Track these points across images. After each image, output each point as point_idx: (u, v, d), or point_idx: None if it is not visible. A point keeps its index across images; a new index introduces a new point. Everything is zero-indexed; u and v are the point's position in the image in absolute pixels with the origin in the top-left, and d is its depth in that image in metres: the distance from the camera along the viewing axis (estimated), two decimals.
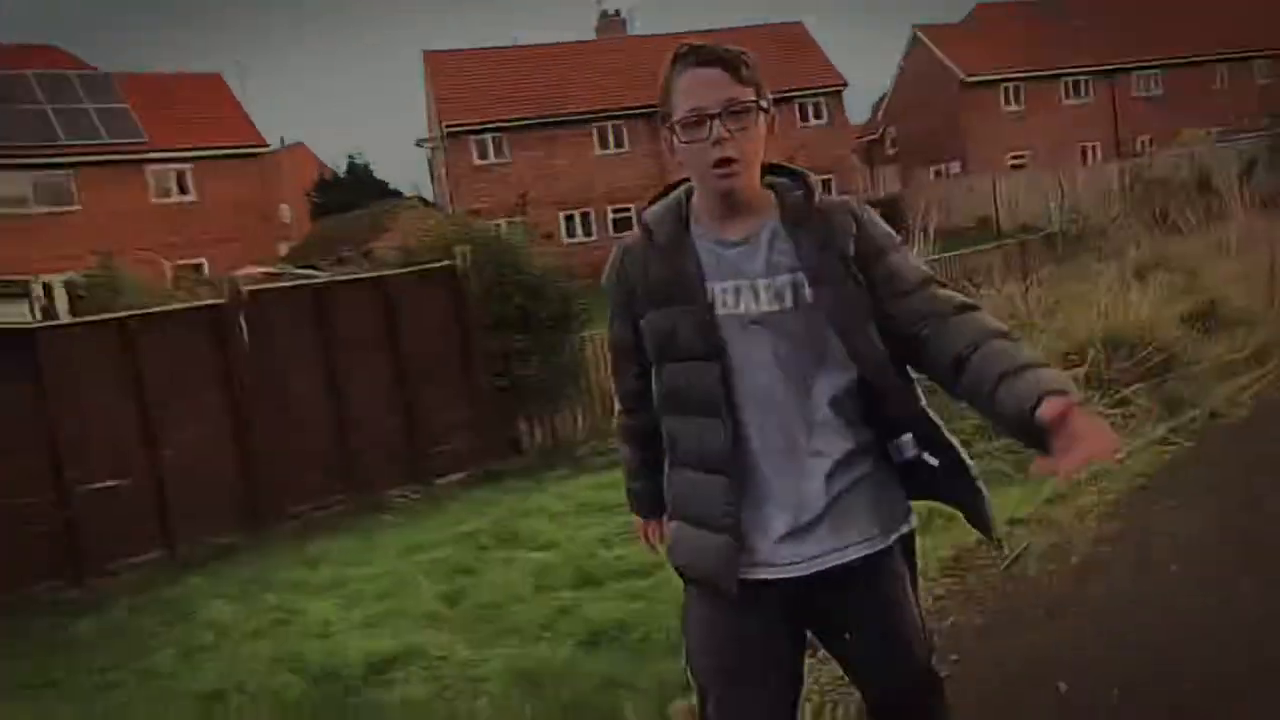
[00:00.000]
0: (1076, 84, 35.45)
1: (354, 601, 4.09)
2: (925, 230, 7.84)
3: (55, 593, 5.95)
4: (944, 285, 1.76)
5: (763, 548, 1.69)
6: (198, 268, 23.67)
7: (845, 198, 1.85)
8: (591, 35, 34.30)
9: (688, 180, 1.82)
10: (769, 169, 1.81)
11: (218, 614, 4.49)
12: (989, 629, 3.14)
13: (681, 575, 1.79)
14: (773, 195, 1.78)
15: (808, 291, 1.69)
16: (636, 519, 2.04)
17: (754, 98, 1.71)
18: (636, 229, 1.85)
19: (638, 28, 34.66)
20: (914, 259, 1.81)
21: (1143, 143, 33.88)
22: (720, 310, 1.71)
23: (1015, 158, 34.22)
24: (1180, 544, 3.54)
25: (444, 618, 3.69)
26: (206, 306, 7.44)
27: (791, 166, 1.83)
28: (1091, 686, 2.60)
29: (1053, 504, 4.09)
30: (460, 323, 8.45)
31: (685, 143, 1.71)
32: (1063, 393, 1.47)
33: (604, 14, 34.51)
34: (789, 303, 1.69)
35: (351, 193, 41.73)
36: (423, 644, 3.38)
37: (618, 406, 1.99)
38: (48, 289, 17.68)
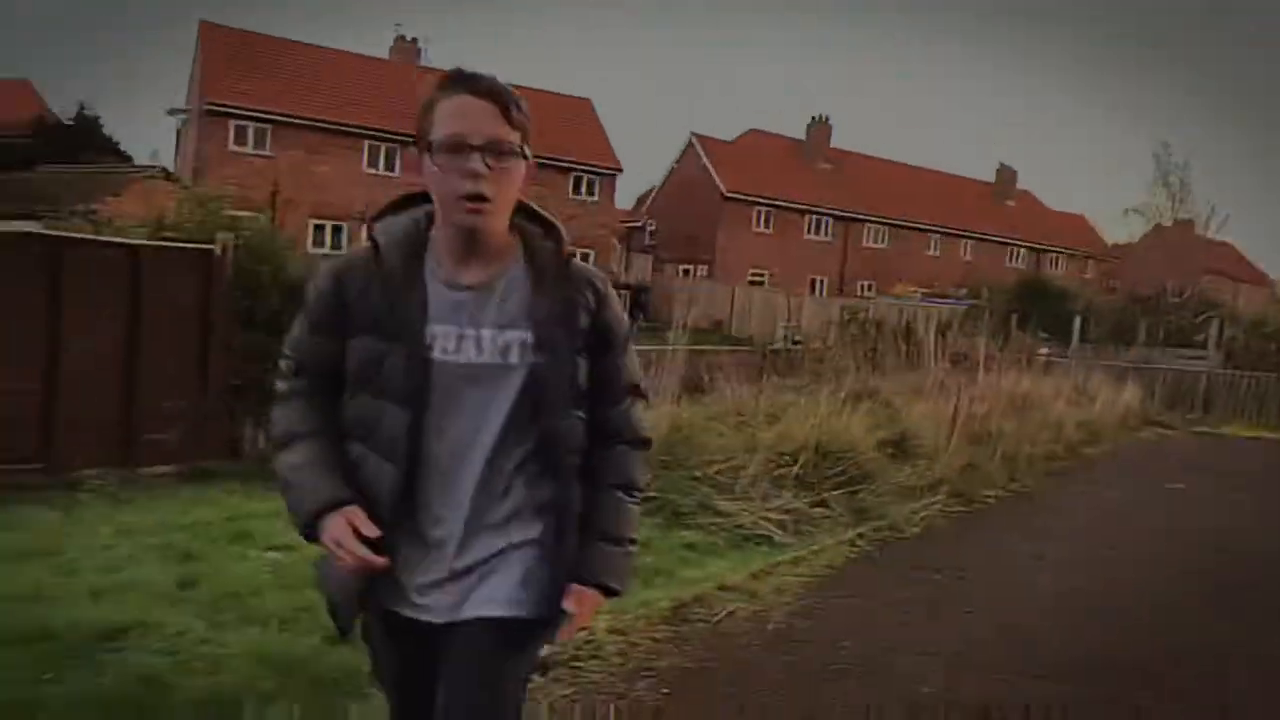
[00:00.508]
0: (820, 222, 39.35)
1: (72, 572, 3.84)
2: (684, 323, 8.51)
3: None
4: (643, 396, 1.83)
5: (405, 589, 1.68)
6: None
7: (593, 270, 1.80)
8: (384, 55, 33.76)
9: (427, 200, 1.72)
10: (519, 209, 1.73)
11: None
12: (697, 671, 3.58)
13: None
14: (518, 241, 1.72)
15: (530, 353, 1.64)
16: (331, 534, 1.60)
17: (519, 142, 1.65)
18: (364, 243, 1.73)
19: (430, 59, 34.51)
20: (631, 361, 1.81)
21: (862, 285, 38.12)
22: (437, 355, 1.63)
23: (755, 274, 37.25)
24: (849, 626, 4.21)
25: (179, 599, 3.56)
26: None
27: (543, 213, 1.77)
28: None
29: (757, 578, 4.68)
30: (205, 311, 8.07)
31: (440, 168, 1.62)
32: (604, 574, 1.70)
33: (400, 37, 34.15)
34: (513, 359, 1.65)
35: (73, 143, 37.91)
36: (160, 619, 3.27)
37: (284, 379, 1.79)
38: None
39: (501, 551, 1.67)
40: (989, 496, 7.58)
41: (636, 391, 1.81)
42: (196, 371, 8.03)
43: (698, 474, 6.25)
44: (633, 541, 1.79)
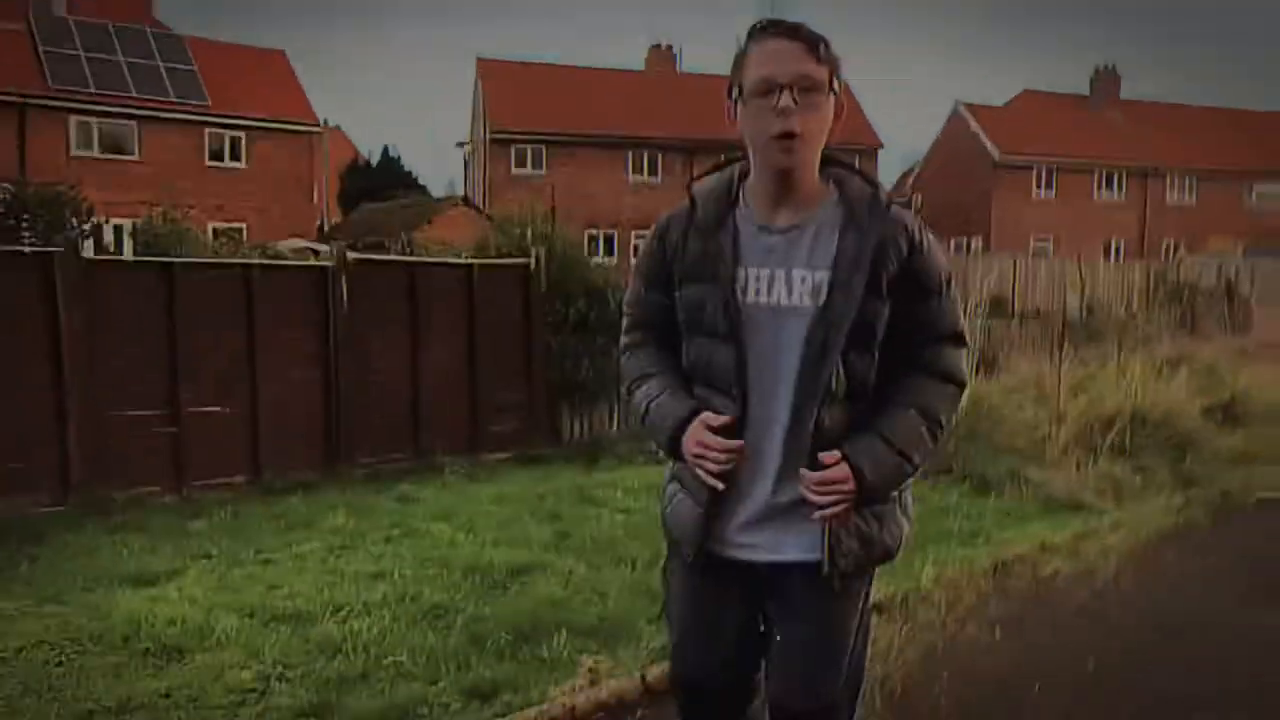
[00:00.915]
0: (1110, 179, 36.30)
1: (471, 528, 4.67)
2: (977, 301, 8.41)
3: (155, 497, 6.57)
4: (963, 344, 1.83)
5: (726, 529, 1.78)
6: (237, 231, 24.41)
7: (908, 214, 1.78)
8: (640, 65, 35.15)
9: (743, 158, 1.79)
10: (830, 162, 1.78)
11: (340, 522, 5.09)
12: (1021, 620, 3.74)
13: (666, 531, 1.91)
14: (831, 188, 1.76)
15: (836, 294, 1.68)
16: (692, 438, 1.74)
17: (827, 78, 1.68)
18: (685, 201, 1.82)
19: (685, 65, 35.52)
20: (951, 307, 1.81)
21: (1168, 246, 34.73)
22: (749, 298, 1.71)
23: (1039, 240, 34.99)
24: (1179, 583, 4.16)
25: (560, 547, 4.27)
26: (317, 267, 8.08)
27: (853, 165, 1.81)
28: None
29: (1083, 539, 4.69)
30: (527, 316, 9.08)
31: (752, 112, 1.67)
32: (866, 460, 1.67)
33: (655, 46, 35.36)
34: (822, 299, 1.69)
35: (379, 181, 42.60)
36: (550, 560, 3.99)
37: (627, 334, 1.96)
38: (118, 231, 18.34)
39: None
40: None
41: (955, 339, 1.80)
42: (524, 370, 9.05)
43: (1003, 446, 6.26)
44: (910, 460, 1.73)
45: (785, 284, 1.70)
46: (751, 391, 1.72)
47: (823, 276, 1.68)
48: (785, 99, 1.63)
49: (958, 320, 1.83)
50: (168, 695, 2.97)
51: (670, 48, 34.90)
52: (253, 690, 3.00)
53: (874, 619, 3.20)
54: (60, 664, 3.21)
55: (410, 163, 54.57)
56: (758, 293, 1.71)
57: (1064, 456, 6.05)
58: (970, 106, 37.19)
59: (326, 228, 29.79)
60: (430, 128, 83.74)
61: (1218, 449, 6.54)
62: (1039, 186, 35.84)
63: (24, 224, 16.67)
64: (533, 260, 9.05)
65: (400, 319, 8.29)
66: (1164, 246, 34.71)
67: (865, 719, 2.83)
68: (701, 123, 31.27)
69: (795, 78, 1.63)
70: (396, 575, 3.90)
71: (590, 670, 3.03)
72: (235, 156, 26.79)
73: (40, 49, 24.32)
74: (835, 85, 1.69)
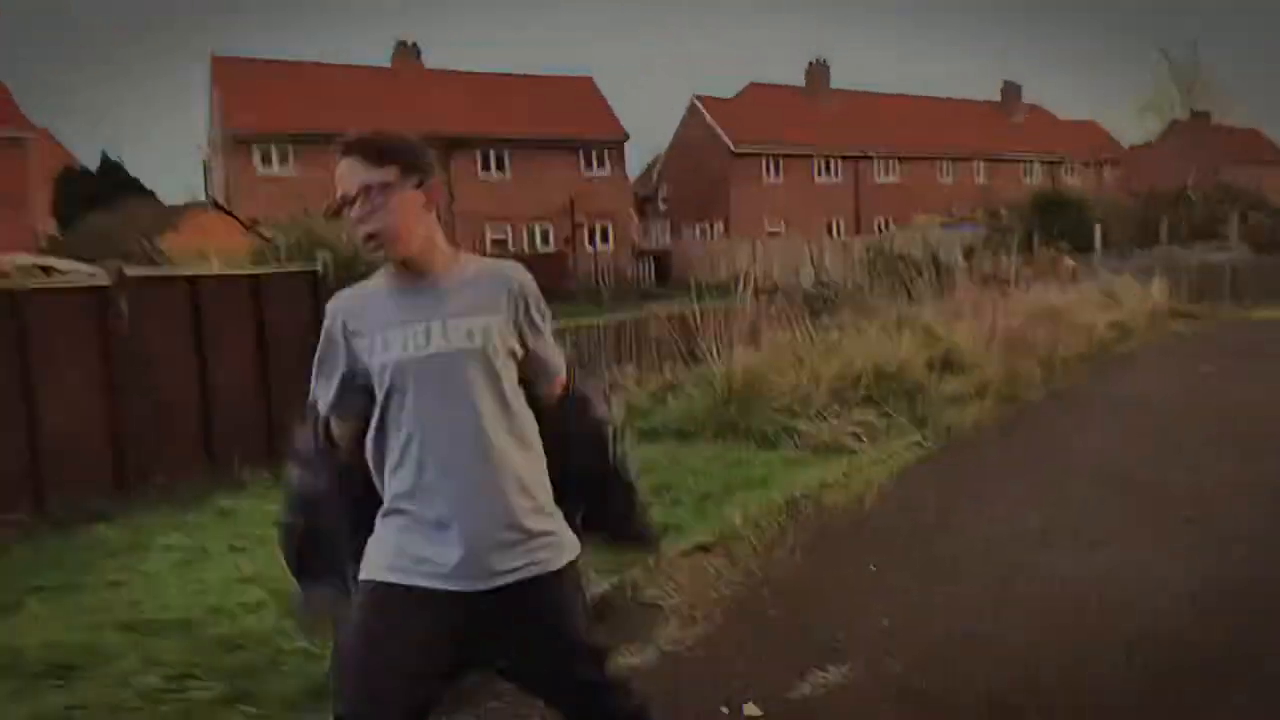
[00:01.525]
0: (828, 164, 39.92)
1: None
2: (746, 282, 9.43)
3: None
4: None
5: None
6: None
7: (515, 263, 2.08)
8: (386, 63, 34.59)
9: None
10: None
11: (174, 540, 5.15)
12: (812, 542, 4.59)
13: None
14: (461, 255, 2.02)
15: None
16: None
17: (391, 178, 1.88)
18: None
19: (430, 60, 35.33)
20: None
21: (879, 223, 38.70)
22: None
23: (772, 225, 37.96)
24: (928, 501, 5.20)
25: None
26: (92, 287, 7.74)
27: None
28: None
29: (850, 475, 5.67)
30: (318, 324, 9.13)
31: (345, 220, 1.91)
32: None
33: (400, 44, 34.90)
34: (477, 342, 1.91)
35: (100, 187, 39.15)
36: None
37: None
38: None
39: None
40: (1028, 397, 8.50)
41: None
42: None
43: (775, 406, 7.22)
44: None
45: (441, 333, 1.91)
46: None
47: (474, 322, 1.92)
48: (355, 212, 1.88)
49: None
50: (82, 707, 3.12)
51: (415, 45, 34.55)
52: (167, 690, 3.21)
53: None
54: None
55: (135, 169, 50.34)
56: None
57: (825, 409, 7.09)
58: (705, 100, 39.54)
59: (44, 241, 27.14)
60: (151, 129, 77.03)
61: (940, 392, 7.87)
62: (769, 174, 38.80)
63: None
64: (320, 265, 9.10)
65: (186, 335, 8.12)
66: (875, 223, 38.79)
67: (711, 634, 3.52)
68: (454, 119, 31.33)
69: (358, 188, 1.87)
70: (267, 577, 4.11)
71: None
72: None
73: None
74: (412, 177, 1.92)
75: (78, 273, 13.52)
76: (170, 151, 75.59)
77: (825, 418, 7.00)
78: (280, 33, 73.83)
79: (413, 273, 1.94)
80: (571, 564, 1.98)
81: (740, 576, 4.16)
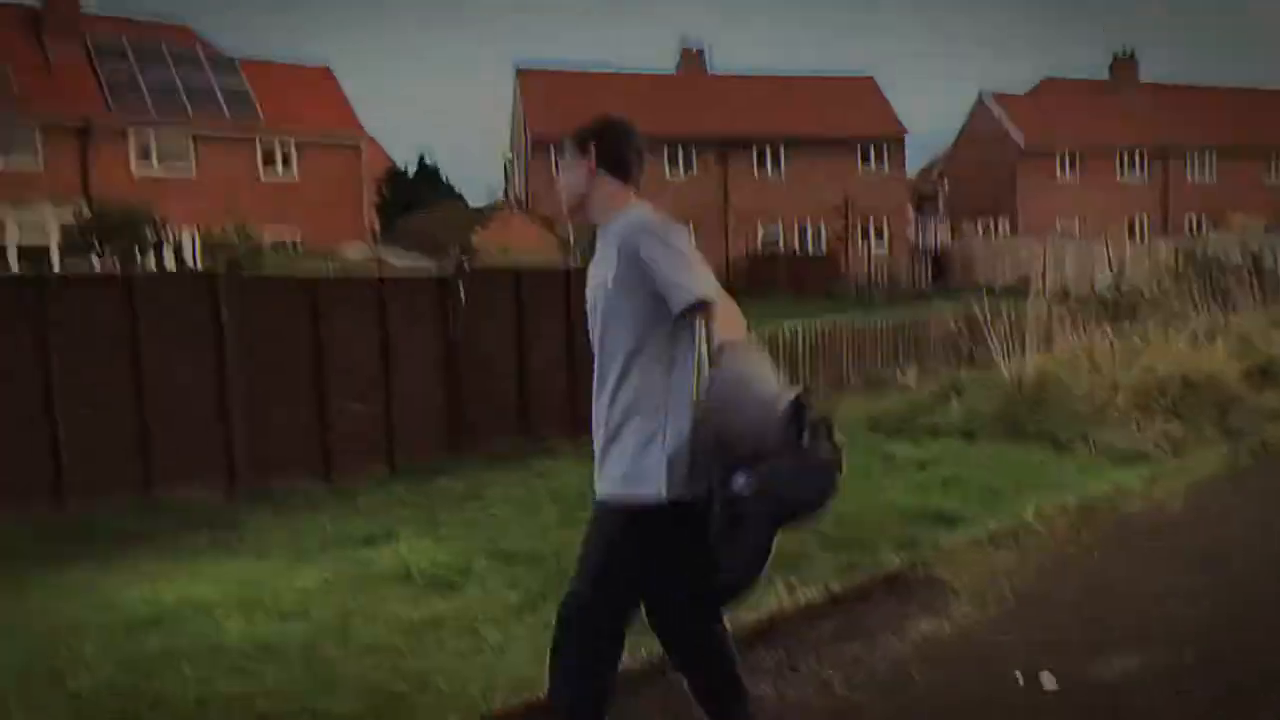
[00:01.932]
0: (1132, 160, 36.82)
1: None
2: (1041, 287, 9.19)
3: (303, 484, 7.49)
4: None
5: None
6: (292, 243, 25.46)
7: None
8: (672, 68, 35.96)
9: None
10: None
11: (510, 494, 6.07)
12: (1109, 541, 4.58)
13: None
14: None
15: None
16: None
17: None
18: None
19: (714, 65, 36.32)
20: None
21: (1191, 221, 35.22)
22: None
23: (1064, 224, 35.57)
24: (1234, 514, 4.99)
25: None
26: (436, 278, 9.03)
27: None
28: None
29: (1151, 483, 5.53)
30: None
31: None
32: None
33: (685, 51, 36.14)
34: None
35: (417, 190, 43.53)
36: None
37: None
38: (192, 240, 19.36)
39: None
40: None
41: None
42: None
43: (1069, 410, 7.08)
44: None
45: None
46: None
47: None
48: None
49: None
50: (466, 615, 3.84)
51: (700, 51, 35.69)
52: (525, 605, 3.88)
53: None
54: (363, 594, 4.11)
55: (445, 171, 55.70)
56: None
57: (1123, 418, 6.87)
58: (995, 96, 37.79)
59: (374, 235, 30.90)
60: (457, 136, 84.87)
61: (1256, 405, 7.34)
62: (1062, 171, 36.41)
63: (103, 242, 17.76)
64: None
65: (510, 319, 9.21)
66: (1186, 223, 35.30)
67: (1003, 615, 3.70)
68: (734, 120, 32.15)
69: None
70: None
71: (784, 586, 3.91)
72: (287, 169, 27.89)
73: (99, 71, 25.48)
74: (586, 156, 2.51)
75: (402, 264, 15.41)
76: (471, 155, 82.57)
77: (1124, 425, 6.79)
78: (573, 31, 78.00)
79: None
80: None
81: (1032, 568, 4.28)
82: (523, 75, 32.44)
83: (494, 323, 9.13)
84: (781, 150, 32.75)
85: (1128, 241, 30.53)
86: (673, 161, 31.73)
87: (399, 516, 5.83)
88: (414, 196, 39.76)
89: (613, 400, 2.35)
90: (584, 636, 2.39)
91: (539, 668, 3.10)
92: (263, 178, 27.51)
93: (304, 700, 3.03)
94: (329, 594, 4.07)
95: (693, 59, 35.62)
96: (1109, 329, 11.54)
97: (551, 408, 9.47)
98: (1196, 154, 37.01)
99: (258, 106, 27.40)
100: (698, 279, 2.25)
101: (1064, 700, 3.05)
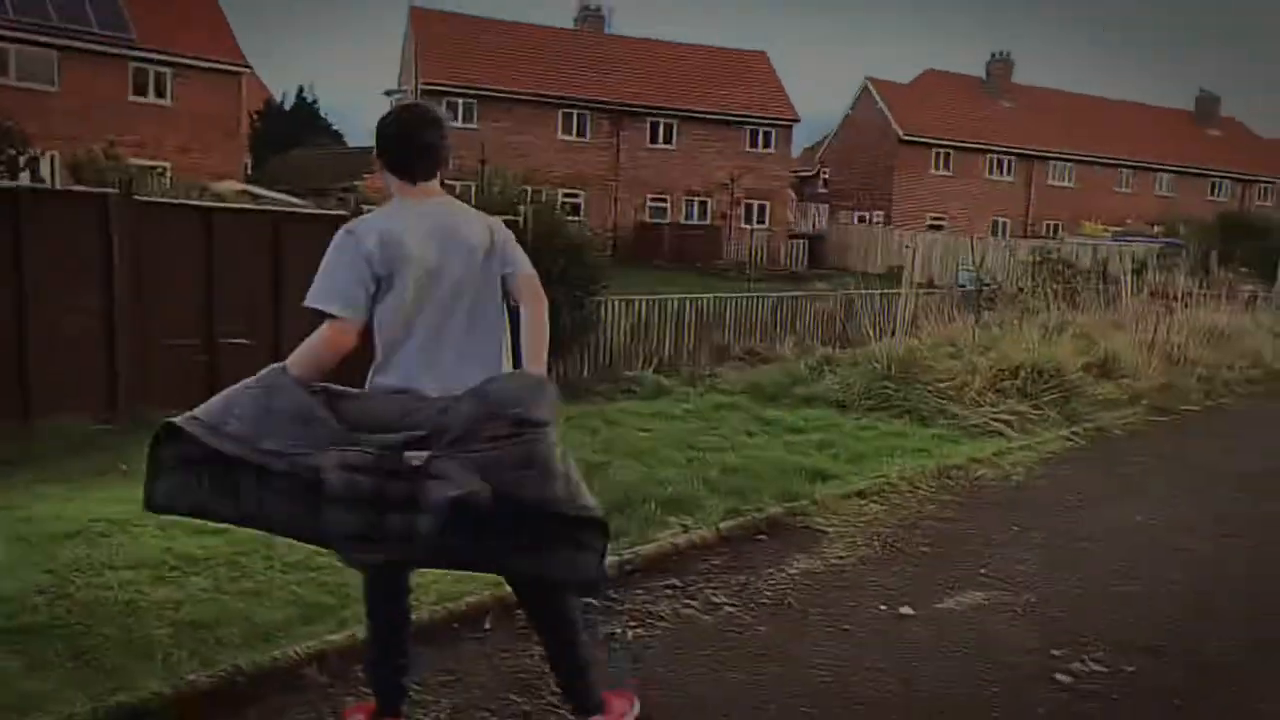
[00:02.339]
0: (1001, 161, 38.90)
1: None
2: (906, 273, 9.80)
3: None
4: None
5: None
6: (159, 170, 24.23)
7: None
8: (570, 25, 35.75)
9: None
10: None
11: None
12: (961, 503, 5.14)
13: None
14: None
15: None
16: None
17: None
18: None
19: (614, 27, 36.32)
20: None
21: (1049, 225, 37.58)
22: None
23: (934, 218, 37.36)
24: (1072, 485, 5.66)
25: (608, 451, 5.57)
26: (335, 215, 8.95)
27: None
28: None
29: (998, 456, 6.17)
30: None
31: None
32: None
33: (585, 8, 35.99)
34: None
35: (294, 125, 41.92)
36: (611, 459, 5.27)
37: None
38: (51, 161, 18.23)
39: None
40: (1185, 409, 8.66)
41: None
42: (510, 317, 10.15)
43: (931, 388, 7.72)
44: None
45: None
46: None
47: None
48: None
49: None
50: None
51: (599, 9, 35.57)
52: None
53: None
54: None
55: (326, 108, 53.63)
56: None
57: (979, 397, 7.55)
58: (878, 83, 39.10)
59: (248, 171, 29.70)
60: (338, 71, 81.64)
61: (1094, 395, 8.16)
62: (937, 165, 38.14)
63: None
64: (520, 219, 10.09)
65: None
66: (1045, 226, 37.65)
67: (869, 557, 4.17)
68: (630, 86, 32.29)
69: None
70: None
71: (680, 526, 4.27)
72: (160, 94, 26.45)
73: None
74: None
75: (275, 201, 14.99)
76: (354, 94, 79.67)
77: (980, 404, 7.47)
78: None
79: None
80: None
81: (895, 519, 4.78)
82: (417, 15, 31.63)
83: None
84: (675, 123, 33.09)
85: (991, 239, 32.44)
86: (567, 123, 31.68)
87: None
88: (289, 133, 38.36)
89: None
90: None
91: (465, 582, 3.36)
92: (131, 99, 26.01)
93: (233, 608, 3.19)
94: None
95: (592, 16, 35.48)
96: (970, 319, 12.41)
97: None
98: (1058, 159, 39.37)
99: (129, 20, 25.81)
100: (315, 287, 2.48)
101: (921, 624, 3.51)
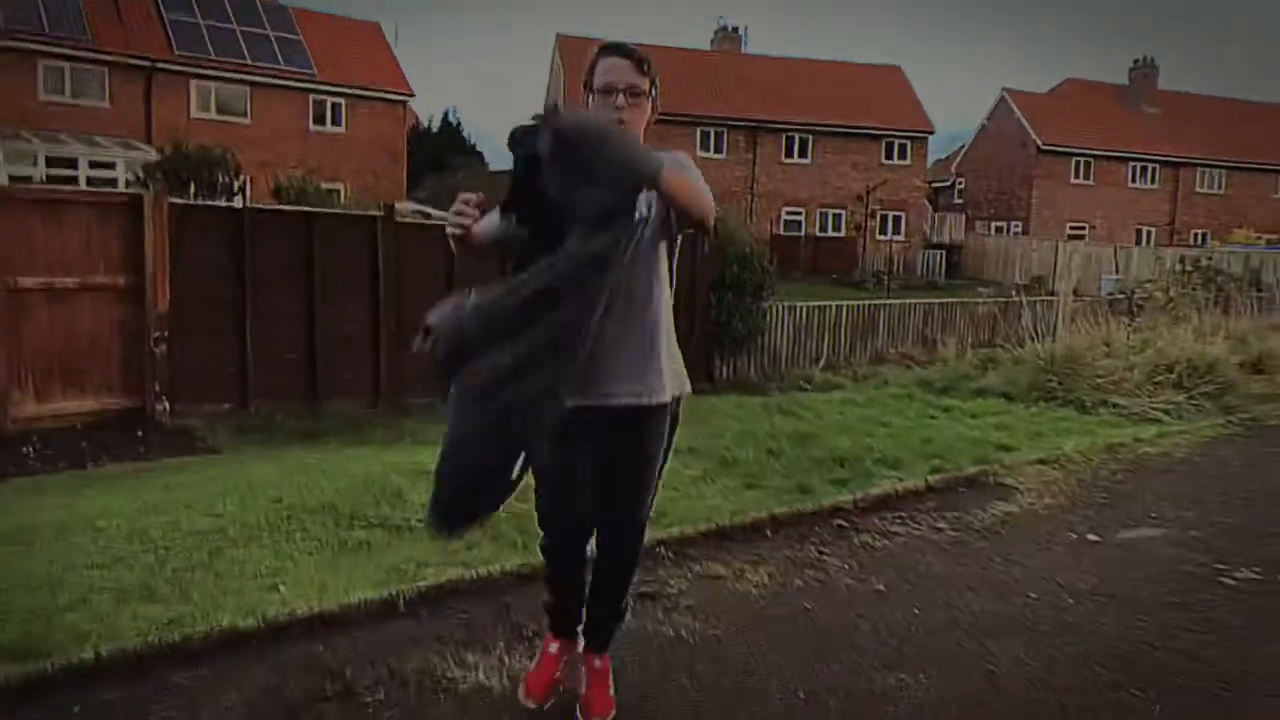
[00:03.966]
0: (1144, 169, 38.11)
1: (742, 419, 6.99)
2: (1066, 287, 10.49)
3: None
4: None
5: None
6: (334, 192, 26.58)
7: None
8: (707, 46, 37.03)
9: None
10: None
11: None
12: (1130, 472, 5.96)
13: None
14: None
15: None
16: None
17: (646, 87, 2.39)
18: None
19: (749, 47, 37.42)
20: None
21: (1196, 234, 36.60)
22: None
23: (1074, 227, 36.89)
24: (1226, 469, 6.39)
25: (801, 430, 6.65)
26: None
27: None
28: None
29: (1161, 437, 6.93)
30: (691, 277, 11.30)
31: (598, 106, 2.35)
32: None
33: (721, 29, 37.23)
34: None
35: (440, 148, 44.47)
36: (821, 431, 6.32)
37: None
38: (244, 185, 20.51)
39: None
40: None
41: None
42: (686, 318, 11.28)
43: (1090, 382, 8.47)
44: None
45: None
46: None
47: None
48: (621, 100, 2.36)
49: None
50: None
51: (736, 30, 36.74)
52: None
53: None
54: None
55: (468, 132, 56.53)
56: None
57: (1137, 390, 8.26)
58: (1015, 94, 38.92)
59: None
60: (481, 97, 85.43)
61: (1248, 389, 8.74)
62: (1076, 174, 37.67)
63: (187, 179, 18.93)
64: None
65: None
66: (1191, 235, 36.69)
67: (1055, 505, 5.08)
68: (765, 104, 33.32)
69: (627, 85, 2.37)
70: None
71: (892, 480, 5.29)
72: (336, 122, 28.99)
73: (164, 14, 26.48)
74: (653, 91, 2.45)
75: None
76: (494, 118, 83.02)
77: (1138, 395, 8.19)
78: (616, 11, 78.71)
79: None
80: None
81: (1074, 481, 5.67)
82: (563, 41, 33.49)
83: None
84: (810, 138, 33.89)
85: (1135, 248, 31.96)
86: (704, 141, 32.91)
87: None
88: (435, 154, 40.80)
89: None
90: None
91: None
92: (311, 129, 28.58)
93: None
94: None
95: (728, 38, 36.65)
96: (1122, 322, 12.90)
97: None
98: (1207, 166, 38.28)
99: (310, 57, 28.41)
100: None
101: (1106, 547, 4.44)
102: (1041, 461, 5.96)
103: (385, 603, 3.18)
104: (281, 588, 3.32)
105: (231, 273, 8.31)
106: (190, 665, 2.72)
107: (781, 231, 33.34)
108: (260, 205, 15.41)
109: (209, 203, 14.77)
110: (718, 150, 33.14)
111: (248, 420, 8.11)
